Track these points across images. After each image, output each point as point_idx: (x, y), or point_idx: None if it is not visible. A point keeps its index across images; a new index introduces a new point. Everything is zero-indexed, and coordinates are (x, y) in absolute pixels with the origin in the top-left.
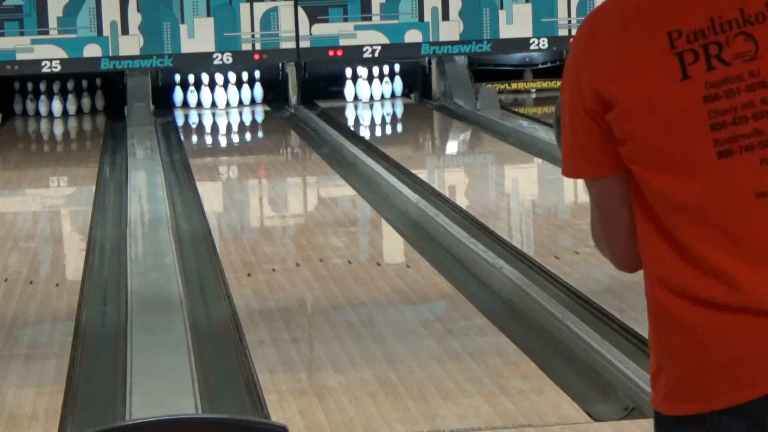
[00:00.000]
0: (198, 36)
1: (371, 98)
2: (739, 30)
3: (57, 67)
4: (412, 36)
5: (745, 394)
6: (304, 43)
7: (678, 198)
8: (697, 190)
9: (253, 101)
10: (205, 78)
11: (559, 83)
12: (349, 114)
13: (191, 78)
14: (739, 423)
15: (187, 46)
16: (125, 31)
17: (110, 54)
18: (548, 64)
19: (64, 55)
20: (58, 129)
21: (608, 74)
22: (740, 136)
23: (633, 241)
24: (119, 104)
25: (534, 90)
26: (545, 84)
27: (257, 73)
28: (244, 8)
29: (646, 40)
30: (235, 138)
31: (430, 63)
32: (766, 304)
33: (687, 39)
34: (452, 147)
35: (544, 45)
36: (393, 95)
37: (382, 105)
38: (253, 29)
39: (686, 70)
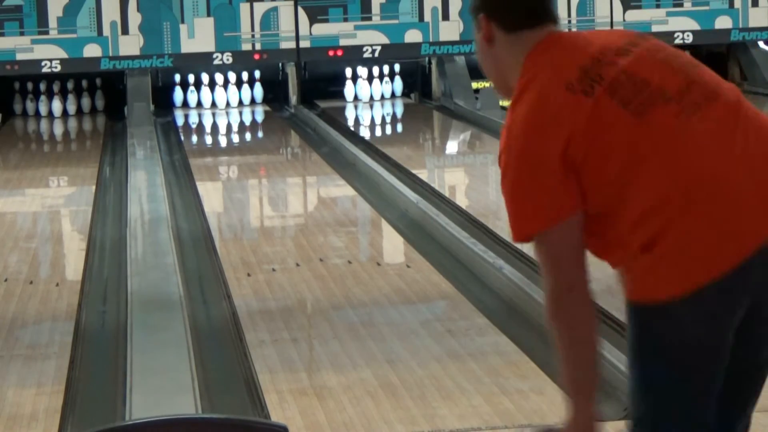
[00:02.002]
0: (198, 36)
1: (371, 98)
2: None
3: (57, 67)
4: (412, 36)
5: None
6: (304, 43)
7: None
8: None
9: (253, 101)
10: (205, 78)
11: None
12: (349, 114)
13: (191, 78)
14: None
15: (187, 46)
16: (125, 31)
17: (110, 54)
18: None
19: (64, 55)
20: (58, 129)
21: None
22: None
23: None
24: (119, 104)
25: None
26: None
27: (257, 73)
28: (244, 8)
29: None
30: (235, 138)
31: (430, 63)
32: None
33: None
34: (452, 147)
35: None
36: (393, 95)
37: (382, 105)
38: (253, 29)
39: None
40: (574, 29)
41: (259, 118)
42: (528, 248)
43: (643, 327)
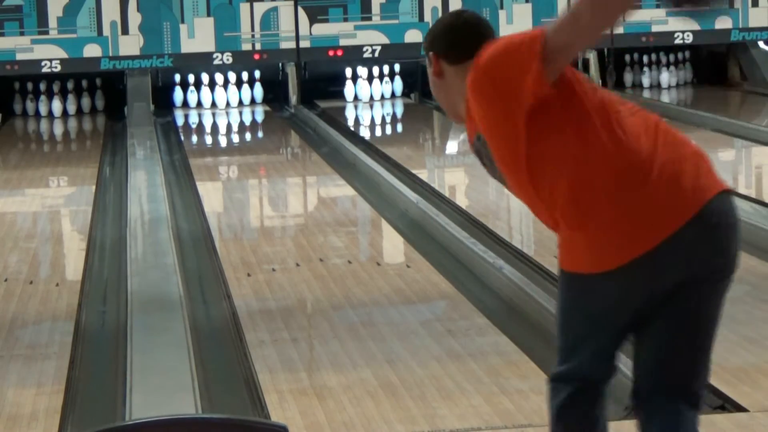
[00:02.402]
0: (198, 36)
1: (371, 98)
2: None
3: (57, 67)
4: (412, 36)
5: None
6: (304, 43)
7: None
8: None
9: (253, 101)
10: (205, 78)
11: None
12: (349, 114)
13: (191, 78)
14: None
15: (187, 46)
16: (125, 31)
17: (110, 54)
18: None
19: (64, 55)
20: (58, 129)
21: None
22: None
23: None
24: (119, 104)
25: None
26: None
27: (257, 73)
28: (244, 8)
29: None
30: (235, 138)
31: None
32: None
33: None
34: (452, 147)
35: None
36: (393, 95)
37: (382, 105)
38: (253, 29)
39: None
40: None
41: (259, 118)
42: (528, 248)
43: (566, 286)
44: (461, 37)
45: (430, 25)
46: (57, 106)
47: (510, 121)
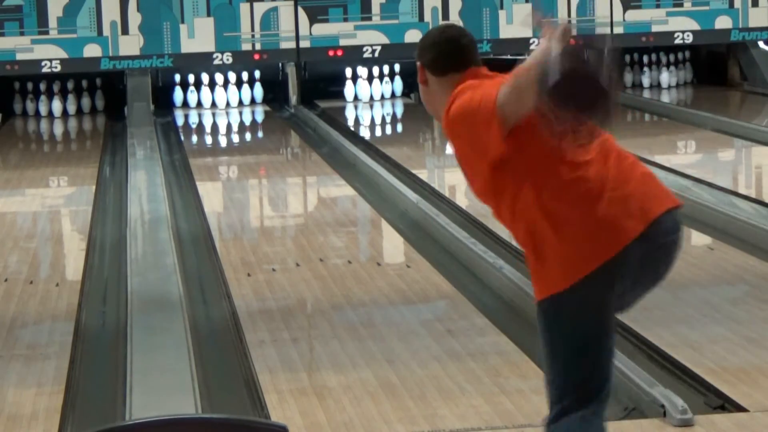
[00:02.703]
0: (198, 36)
1: (371, 98)
2: None
3: (57, 67)
4: (412, 36)
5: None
6: (304, 43)
7: None
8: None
9: (253, 101)
10: (205, 78)
11: None
12: (349, 114)
13: (191, 78)
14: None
15: (187, 46)
16: (125, 31)
17: (110, 54)
18: None
19: (64, 55)
20: (58, 129)
21: None
22: None
23: None
24: (119, 104)
25: None
26: None
27: (257, 73)
28: (244, 8)
29: None
30: (235, 138)
31: None
32: None
33: None
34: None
35: None
36: (393, 95)
37: (382, 105)
38: (253, 29)
39: None
40: (574, 30)
41: (259, 118)
42: None
43: (546, 314)
44: (443, 53)
45: (430, 25)
46: (57, 106)
47: (477, 163)
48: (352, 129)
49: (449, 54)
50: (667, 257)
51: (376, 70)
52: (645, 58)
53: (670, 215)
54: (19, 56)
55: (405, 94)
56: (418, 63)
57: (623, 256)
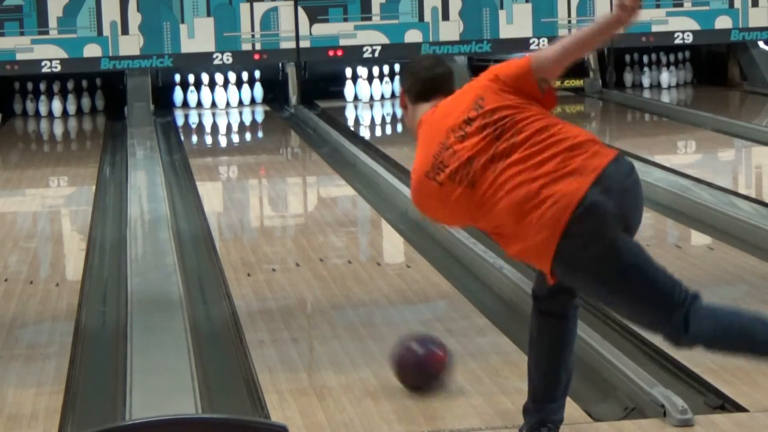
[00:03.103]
0: (198, 36)
1: (371, 98)
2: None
3: (57, 67)
4: (412, 36)
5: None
6: (304, 43)
7: None
8: None
9: (253, 101)
10: (205, 78)
11: (558, 83)
12: (349, 114)
13: (191, 78)
14: None
15: (187, 46)
16: (125, 31)
17: (110, 54)
18: None
19: (64, 55)
20: (58, 129)
21: None
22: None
23: None
24: (119, 104)
25: None
26: None
27: (257, 73)
28: (244, 8)
29: None
30: (235, 138)
31: None
32: None
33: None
34: None
35: (544, 45)
36: (393, 95)
37: (382, 105)
38: (253, 29)
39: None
40: (574, 30)
41: (259, 118)
42: None
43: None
44: (417, 82)
45: (430, 25)
46: (57, 106)
47: None
48: (352, 129)
49: (421, 84)
50: (624, 197)
51: (376, 70)
52: (645, 58)
53: (613, 164)
54: (19, 56)
55: None
56: (401, 89)
57: (587, 198)
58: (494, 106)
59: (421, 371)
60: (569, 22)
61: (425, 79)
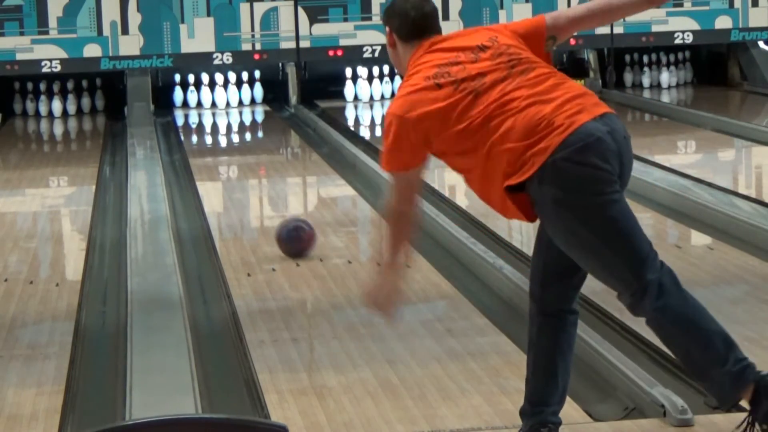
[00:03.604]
0: (198, 36)
1: (371, 98)
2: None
3: (57, 67)
4: None
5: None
6: (304, 43)
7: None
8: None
9: (253, 101)
10: (205, 78)
11: None
12: (349, 114)
13: (191, 78)
14: None
15: (187, 46)
16: (125, 31)
17: (110, 54)
18: None
19: (64, 55)
20: (58, 129)
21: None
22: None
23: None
24: (119, 104)
25: None
26: None
27: (257, 73)
28: (244, 8)
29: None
30: (235, 138)
31: None
32: None
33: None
34: None
35: None
36: (393, 95)
37: (382, 105)
38: (253, 29)
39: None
40: None
41: (259, 118)
42: (528, 248)
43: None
44: (408, 21)
45: None
46: (57, 106)
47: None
48: (352, 129)
49: (413, 22)
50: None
51: (376, 70)
52: (645, 58)
53: (592, 122)
54: (19, 56)
55: None
56: (387, 28)
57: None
58: (509, 42)
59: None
60: None
61: (415, 18)
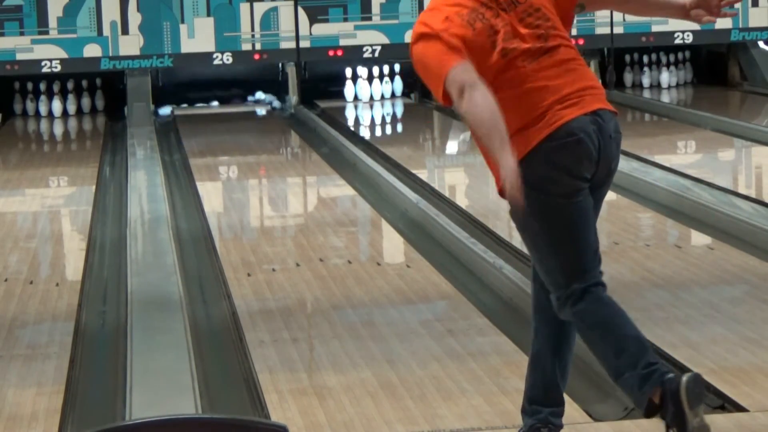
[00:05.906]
0: (198, 36)
1: (371, 98)
2: None
3: (57, 67)
4: None
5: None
6: (304, 43)
7: None
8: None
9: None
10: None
11: None
12: (349, 114)
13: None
14: None
15: (187, 46)
16: (125, 31)
17: (110, 54)
18: None
19: (64, 55)
20: (58, 129)
21: None
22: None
23: None
24: (119, 104)
25: None
26: None
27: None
28: (244, 8)
29: None
30: (236, 138)
31: None
32: None
33: None
34: (452, 147)
35: None
36: (393, 95)
37: (382, 105)
38: (253, 29)
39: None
40: (574, 29)
41: (260, 118)
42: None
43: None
44: None
45: None
46: (57, 106)
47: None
48: (352, 129)
49: None
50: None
51: (376, 70)
52: (645, 58)
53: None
54: (19, 56)
55: (405, 94)
56: None
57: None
58: (541, 3)
59: None
60: None
61: None
